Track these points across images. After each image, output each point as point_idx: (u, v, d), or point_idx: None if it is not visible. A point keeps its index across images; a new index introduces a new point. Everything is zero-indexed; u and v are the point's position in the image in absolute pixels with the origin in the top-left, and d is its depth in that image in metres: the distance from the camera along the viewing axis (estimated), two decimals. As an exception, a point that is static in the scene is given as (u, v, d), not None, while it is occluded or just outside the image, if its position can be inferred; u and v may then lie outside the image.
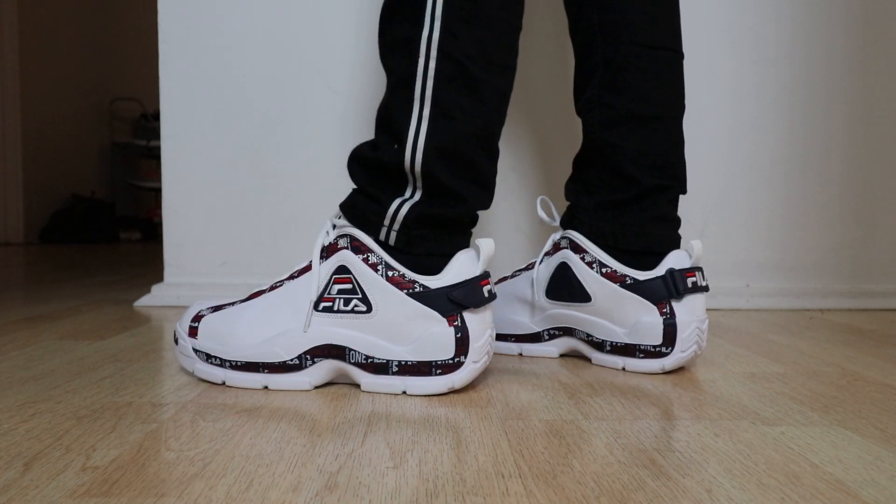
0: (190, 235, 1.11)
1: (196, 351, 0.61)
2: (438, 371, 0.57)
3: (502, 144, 1.12)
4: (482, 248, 0.58)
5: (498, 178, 1.12)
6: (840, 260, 1.17)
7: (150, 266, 2.00)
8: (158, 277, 1.17)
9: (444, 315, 0.56)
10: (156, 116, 4.04)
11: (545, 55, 1.12)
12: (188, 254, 1.11)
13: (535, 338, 0.73)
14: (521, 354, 0.74)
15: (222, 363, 0.60)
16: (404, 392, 0.57)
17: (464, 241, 0.62)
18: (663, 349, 0.65)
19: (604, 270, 0.68)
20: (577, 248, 0.69)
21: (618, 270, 0.67)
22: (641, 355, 0.66)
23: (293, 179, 1.11)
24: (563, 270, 0.70)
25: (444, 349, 0.56)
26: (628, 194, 0.70)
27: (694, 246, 0.66)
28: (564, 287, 0.70)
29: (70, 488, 0.38)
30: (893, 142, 1.16)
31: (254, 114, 1.10)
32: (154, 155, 4.08)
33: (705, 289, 0.66)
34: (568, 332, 0.72)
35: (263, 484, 0.38)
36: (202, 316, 0.63)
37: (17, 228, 3.56)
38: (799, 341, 0.84)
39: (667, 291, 0.65)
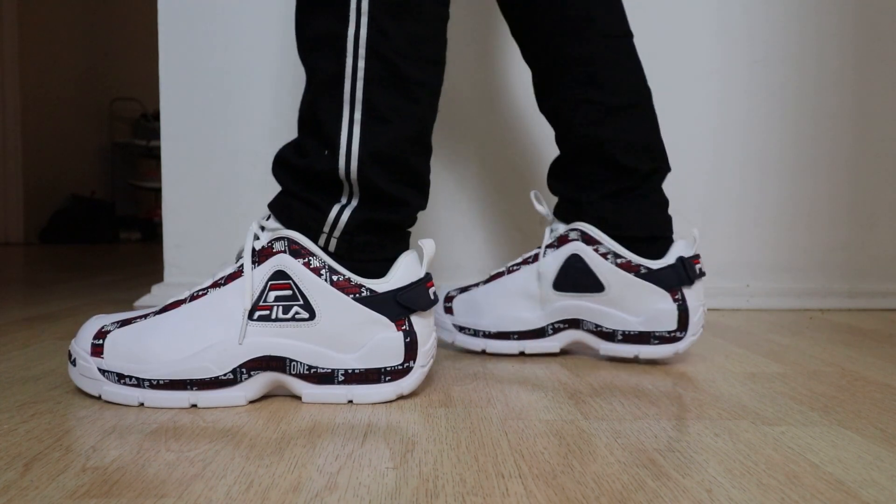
0: (190, 235, 1.11)
1: (104, 372, 0.54)
2: (388, 378, 0.55)
3: (503, 145, 1.12)
4: (425, 249, 0.56)
5: (498, 179, 1.13)
6: (840, 260, 1.17)
7: (150, 266, 2.00)
8: (158, 277, 1.17)
9: (392, 319, 0.55)
10: (156, 116, 4.04)
11: (545, 55, 1.12)
12: (188, 254, 1.11)
13: (538, 333, 0.73)
14: (522, 353, 0.74)
15: (140, 383, 0.54)
16: (350, 402, 0.55)
17: (404, 244, 0.60)
18: (678, 334, 0.68)
19: (619, 261, 0.69)
20: (590, 240, 0.71)
21: (632, 260, 0.69)
22: (656, 341, 0.69)
23: (293, 179, 1.11)
24: (575, 262, 0.71)
25: (393, 355, 0.55)
26: (629, 183, 0.71)
27: (695, 234, 0.71)
28: (576, 278, 0.71)
29: (70, 489, 0.38)
30: (893, 142, 1.16)
31: (254, 114, 1.10)
32: (154, 155, 4.07)
33: (704, 274, 0.71)
34: (574, 324, 0.72)
35: (263, 484, 0.38)
36: (107, 332, 0.56)
37: (17, 228, 3.56)
38: (799, 341, 0.84)
39: (678, 279, 0.68)
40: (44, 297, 1.23)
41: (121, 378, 0.54)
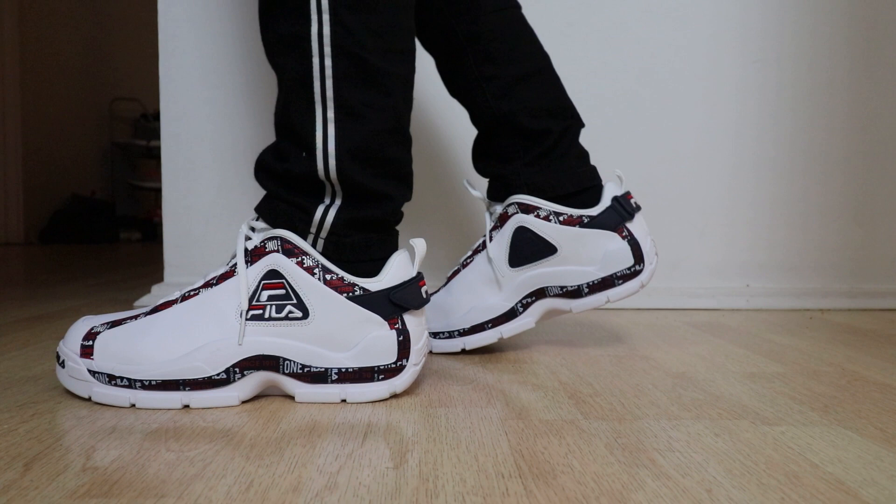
0: (190, 235, 1.11)
1: (94, 373, 0.54)
2: (381, 376, 0.55)
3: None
4: (416, 248, 0.57)
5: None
6: (840, 260, 1.17)
7: (150, 266, 2.00)
8: (158, 277, 1.17)
9: (385, 318, 0.55)
10: (156, 116, 4.04)
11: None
12: (188, 254, 1.11)
13: (510, 315, 0.73)
14: (501, 337, 0.74)
15: (131, 384, 0.53)
16: (344, 401, 0.55)
17: (393, 243, 0.60)
18: (636, 267, 0.71)
19: (561, 219, 0.71)
20: (528, 209, 0.72)
21: (573, 214, 0.71)
22: (620, 281, 0.72)
23: (293, 179, 1.11)
24: (522, 233, 0.72)
25: (387, 353, 0.55)
26: (546, 146, 0.73)
27: (619, 174, 0.75)
28: (527, 249, 0.72)
29: (70, 489, 0.38)
30: (893, 142, 1.16)
31: (254, 114, 1.10)
32: (154, 155, 4.07)
33: (640, 208, 0.74)
34: (540, 293, 0.73)
35: (263, 484, 0.38)
36: (97, 333, 0.55)
37: (17, 228, 3.56)
38: (799, 341, 0.84)
39: (620, 217, 0.71)
40: (44, 297, 1.23)
41: (111, 379, 0.54)
